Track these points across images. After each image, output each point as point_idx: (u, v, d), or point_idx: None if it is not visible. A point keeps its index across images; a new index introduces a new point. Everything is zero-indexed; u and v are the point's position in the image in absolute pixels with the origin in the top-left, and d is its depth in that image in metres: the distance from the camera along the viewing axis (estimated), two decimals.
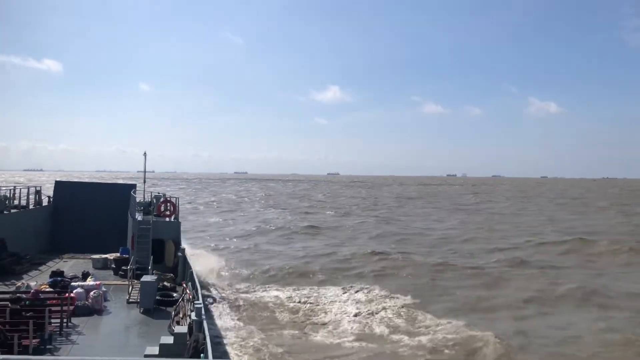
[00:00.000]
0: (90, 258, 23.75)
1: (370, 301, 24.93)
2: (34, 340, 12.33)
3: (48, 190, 32.07)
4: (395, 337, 20.16)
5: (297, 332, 21.00)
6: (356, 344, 19.53)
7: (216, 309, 23.20)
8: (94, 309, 15.92)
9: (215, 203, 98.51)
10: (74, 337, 13.63)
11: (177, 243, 22.89)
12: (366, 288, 27.33)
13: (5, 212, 24.56)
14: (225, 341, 18.88)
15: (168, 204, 25.08)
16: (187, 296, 15.83)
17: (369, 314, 22.97)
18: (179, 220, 24.36)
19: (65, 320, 14.23)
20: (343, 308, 23.93)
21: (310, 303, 24.87)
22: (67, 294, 15.54)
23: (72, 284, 17.51)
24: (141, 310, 16.32)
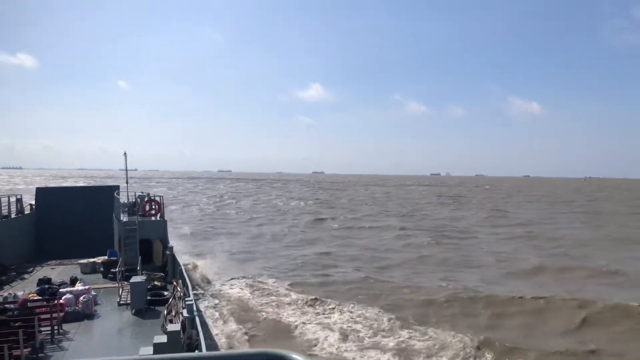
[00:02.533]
0: (78, 263, 23.46)
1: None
2: (25, 350, 12.17)
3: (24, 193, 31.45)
4: None
5: None
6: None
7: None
8: (84, 314, 15.75)
9: None
10: (65, 344, 13.49)
11: (165, 242, 22.75)
12: None
13: None
14: (218, 335, 18.87)
15: (153, 202, 24.84)
16: (178, 294, 15.77)
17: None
18: (165, 219, 24.17)
19: (55, 327, 14.07)
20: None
21: None
22: (56, 301, 15.35)
23: (61, 290, 17.28)
24: (133, 312, 16.21)
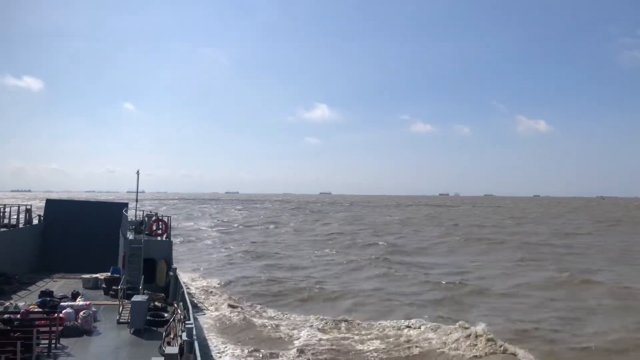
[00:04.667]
0: (81, 278, 23.46)
1: None
2: None
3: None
4: None
5: None
6: None
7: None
8: (83, 330, 15.67)
9: None
10: (62, 359, 13.38)
11: (169, 262, 22.75)
12: None
13: None
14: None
15: (160, 222, 24.95)
16: (178, 316, 15.67)
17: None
18: (171, 240, 24.22)
19: (53, 341, 13.98)
20: None
21: None
22: (56, 314, 15.30)
23: (62, 304, 17.25)
24: (132, 331, 16.09)
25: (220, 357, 18.91)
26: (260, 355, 18.91)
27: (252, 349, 19.52)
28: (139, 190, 25.29)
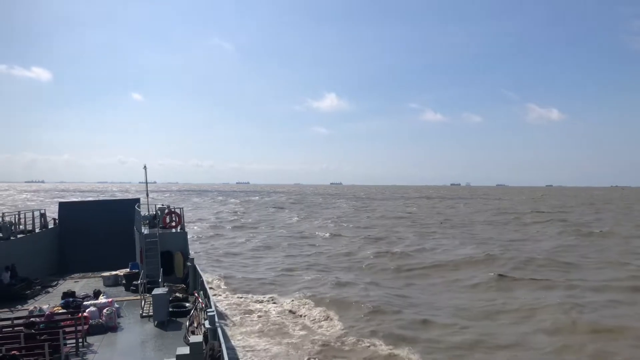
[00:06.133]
0: (101, 276, 23.78)
1: None
2: None
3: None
4: None
5: None
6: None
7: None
8: (108, 327, 15.90)
9: None
10: (90, 356, 13.62)
11: (186, 253, 22.92)
12: None
13: (12, 238, 24.58)
14: (240, 346, 18.87)
15: (173, 215, 25.06)
16: (199, 305, 15.84)
17: None
18: (186, 231, 24.36)
19: (80, 340, 14.23)
20: None
21: None
22: (80, 314, 15.53)
23: (85, 303, 17.49)
24: (155, 324, 16.31)
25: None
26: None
27: None
28: (151, 181, 25.39)
